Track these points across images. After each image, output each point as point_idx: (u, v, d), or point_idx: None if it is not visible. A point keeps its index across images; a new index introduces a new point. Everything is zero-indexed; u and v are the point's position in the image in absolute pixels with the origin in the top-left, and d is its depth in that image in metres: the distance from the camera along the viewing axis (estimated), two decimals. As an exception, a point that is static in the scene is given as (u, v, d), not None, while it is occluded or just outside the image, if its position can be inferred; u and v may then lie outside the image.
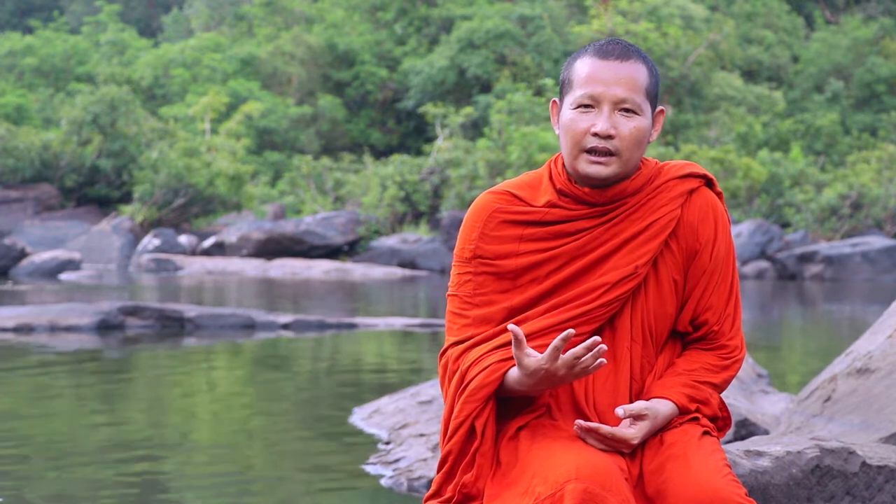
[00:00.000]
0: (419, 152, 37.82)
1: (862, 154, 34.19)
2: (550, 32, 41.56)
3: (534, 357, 2.52)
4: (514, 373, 2.57)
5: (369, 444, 6.01)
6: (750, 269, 25.39)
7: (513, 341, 2.52)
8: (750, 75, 44.13)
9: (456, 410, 2.60)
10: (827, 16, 49.28)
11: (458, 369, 2.65)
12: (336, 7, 46.52)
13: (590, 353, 2.49)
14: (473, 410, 2.58)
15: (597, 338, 2.49)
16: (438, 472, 2.64)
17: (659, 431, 2.62)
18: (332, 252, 28.81)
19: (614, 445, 2.55)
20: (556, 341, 2.49)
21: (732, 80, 40.04)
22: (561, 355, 2.49)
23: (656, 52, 37.39)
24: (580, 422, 2.54)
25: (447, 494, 2.61)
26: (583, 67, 2.65)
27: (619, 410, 2.56)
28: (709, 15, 42.48)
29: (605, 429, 2.53)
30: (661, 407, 2.61)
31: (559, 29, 42.40)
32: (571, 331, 2.49)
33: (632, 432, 2.56)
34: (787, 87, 44.05)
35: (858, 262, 25.03)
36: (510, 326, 2.52)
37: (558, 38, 41.42)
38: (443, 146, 33.80)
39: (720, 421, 2.72)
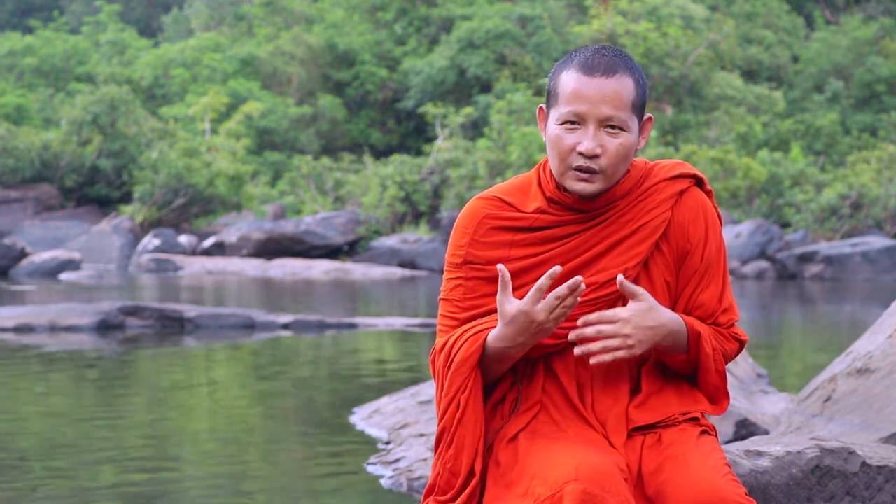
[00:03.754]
0: (419, 152, 37.80)
1: (862, 154, 34.15)
2: (550, 32, 41.55)
3: (515, 302, 2.53)
4: (493, 332, 2.59)
5: (369, 444, 6.01)
6: (750, 269, 25.37)
7: (499, 284, 2.54)
8: (750, 75, 44.11)
9: (446, 386, 2.62)
10: (827, 16, 49.26)
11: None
12: (336, 7, 46.50)
13: (571, 295, 2.50)
14: (462, 384, 2.60)
15: (579, 277, 2.51)
16: (435, 451, 2.65)
17: (658, 428, 2.61)
18: (332, 252, 28.80)
19: (608, 330, 2.54)
20: (542, 280, 2.51)
21: (732, 80, 40.02)
22: (542, 299, 2.50)
23: (656, 52, 37.37)
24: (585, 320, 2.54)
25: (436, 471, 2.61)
26: (568, 82, 2.62)
27: (620, 278, 2.54)
28: (709, 15, 42.45)
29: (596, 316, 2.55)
30: (668, 311, 2.60)
31: (559, 29, 42.38)
32: (558, 268, 2.51)
33: (624, 313, 2.54)
34: (787, 87, 44.03)
35: (858, 262, 25.01)
36: (499, 266, 2.54)
37: (558, 38, 41.40)
38: (443, 146, 33.79)
39: (720, 390, 2.70)
